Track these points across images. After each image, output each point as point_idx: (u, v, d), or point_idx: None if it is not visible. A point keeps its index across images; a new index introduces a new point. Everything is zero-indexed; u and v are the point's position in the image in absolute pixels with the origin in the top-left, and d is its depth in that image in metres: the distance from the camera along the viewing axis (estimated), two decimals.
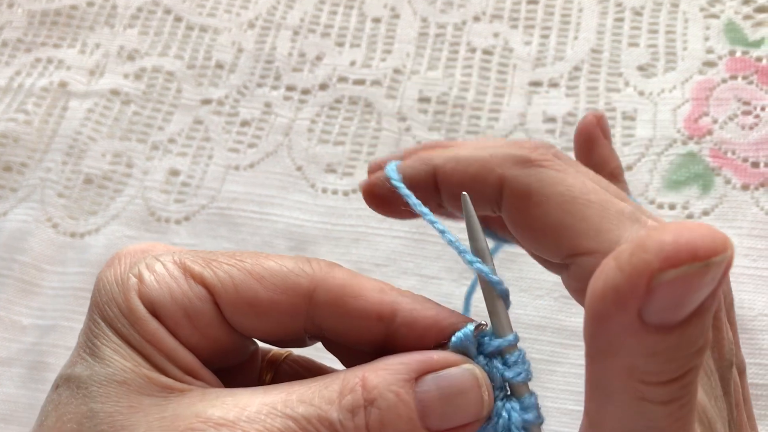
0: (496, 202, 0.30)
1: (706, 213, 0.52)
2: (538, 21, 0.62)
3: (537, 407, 0.27)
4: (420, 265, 0.53)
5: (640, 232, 0.26)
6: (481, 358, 0.27)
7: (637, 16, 0.61)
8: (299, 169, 0.58)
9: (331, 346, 0.30)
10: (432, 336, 0.27)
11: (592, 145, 0.41)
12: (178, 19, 0.67)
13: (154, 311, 0.27)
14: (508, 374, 0.27)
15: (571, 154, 0.55)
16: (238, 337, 0.28)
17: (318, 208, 0.56)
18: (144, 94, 0.63)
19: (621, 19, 0.61)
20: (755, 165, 0.53)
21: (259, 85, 0.63)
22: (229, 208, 0.57)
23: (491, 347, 0.27)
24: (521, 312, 0.50)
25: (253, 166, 0.59)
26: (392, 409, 0.25)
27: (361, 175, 0.57)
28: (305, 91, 0.62)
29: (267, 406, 0.25)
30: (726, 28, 0.59)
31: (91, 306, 0.27)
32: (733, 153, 0.54)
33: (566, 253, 0.28)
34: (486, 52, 0.61)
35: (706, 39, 0.59)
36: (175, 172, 0.59)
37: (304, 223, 0.56)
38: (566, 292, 0.49)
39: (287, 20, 0.66)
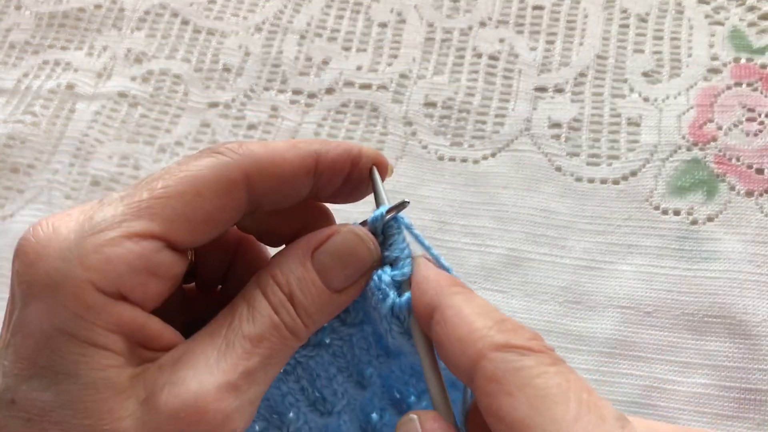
0: (469, 373, 0.27)
1: (710, 219, 0.52)
2: (543, 27, 0.62)
3: (409, 267, 0.31)
4: None
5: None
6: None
7: (642, 23, 0.61)
8: None
9: (264, 238, 0.34)
10: (344, 164, 0.31)
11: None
12: (185, 23, 0.67)
13: (117, 291, 0.26)
14: (385, 253, 0.31)
15: (574, 160, 0.55)
16: (186, 259, 0.30)
17: None
18: (151, 96, 0.64)
19: (626, 26, 0.61)
20: (759, 171, 0.53)
21: (266, 89, 0.63)
22: None
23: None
24: (526, 317, 0.50)
25: None
26: (305, 289, 0.29)
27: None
28: (312, 95, 0.62)
29: (224, 386, 0.27)
30: (731, 35, 0.59)
31: (36, 315, 0.26)
32: (738, 159, 0.54)
33: None
34: (492, 57, 0.62)
35: (711, 46, 0.59)
36: None
37: None
38: (571, 296, 0.50)
39: (294, 24, 0.66)
